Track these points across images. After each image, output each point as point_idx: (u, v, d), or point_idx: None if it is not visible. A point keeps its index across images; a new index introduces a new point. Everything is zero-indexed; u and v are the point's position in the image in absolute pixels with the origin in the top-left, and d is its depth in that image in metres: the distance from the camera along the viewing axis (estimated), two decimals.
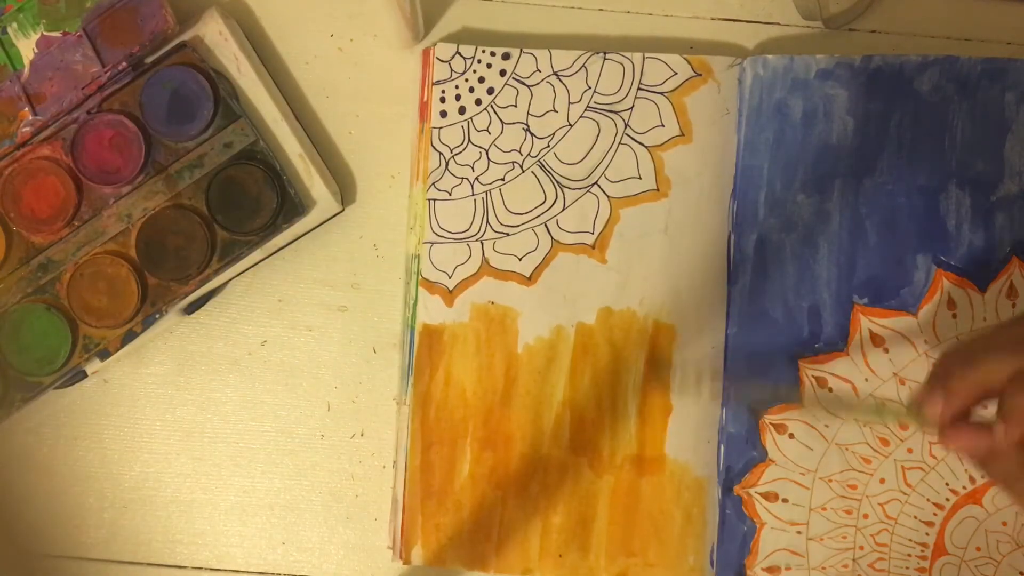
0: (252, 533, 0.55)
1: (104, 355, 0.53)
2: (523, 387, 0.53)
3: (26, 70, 0.53)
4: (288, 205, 0.53)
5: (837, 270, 0.52)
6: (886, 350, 0.52)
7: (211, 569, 0.55)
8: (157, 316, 0.53)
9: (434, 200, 0.54)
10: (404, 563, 0.53)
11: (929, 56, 0.53)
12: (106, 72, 0.53)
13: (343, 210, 0.55)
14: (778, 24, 0.55)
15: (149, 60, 0.53)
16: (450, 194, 0.54)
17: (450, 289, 0.54)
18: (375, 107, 0.56)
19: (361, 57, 0.56)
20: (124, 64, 0.53)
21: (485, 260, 0.54)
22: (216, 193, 0.53)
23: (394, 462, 0.54)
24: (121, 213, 0.53)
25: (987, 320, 0.51)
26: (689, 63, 0.54)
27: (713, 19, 0.56)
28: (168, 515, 0.55)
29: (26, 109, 0.53)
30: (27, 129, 0.53)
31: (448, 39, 0.56)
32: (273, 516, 0.55)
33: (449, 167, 0.54)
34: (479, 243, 0.54)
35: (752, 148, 0.53)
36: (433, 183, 0.54)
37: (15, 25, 0.54)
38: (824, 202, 0.53)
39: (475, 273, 0.54)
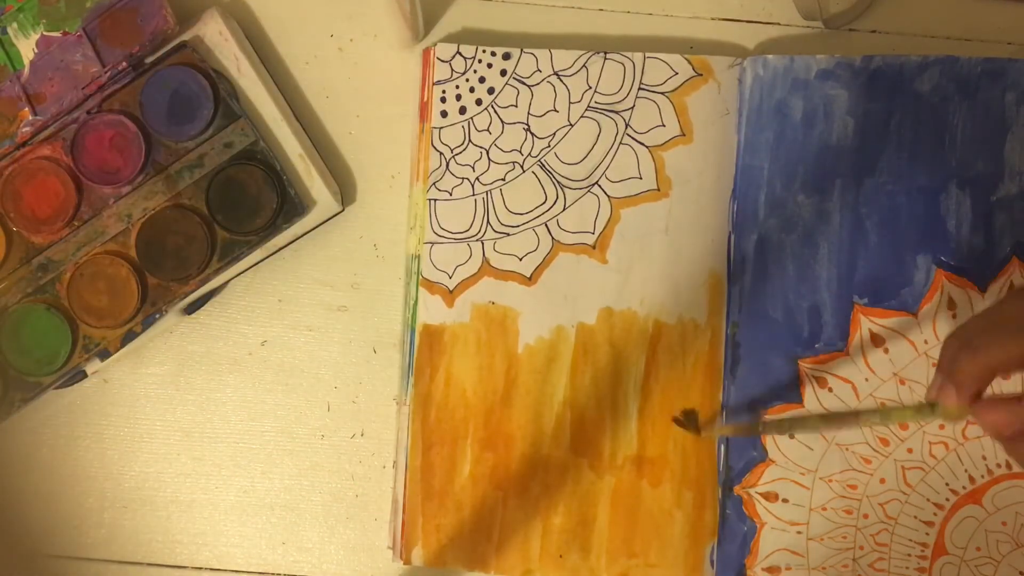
0: (252, 533, 0.55)
1: (104, 355, 0.53)
2: (524, 387, 0.53)
3: (26, 70, 0.53)
4: (288, 205, 0.53)
5: (837, 270, 0.52)
6: (886, 350, 0.52)
7: (211, 569, 0.55)
8: (157, 316, 0.53)
9: (435, 200, 0.54)
10: (404, 563, 0.53)
11: (929, 56, 0.53)
12: (106, 72, 0.53)
13: (343, 210, 0.55)
14: (778, 24, 0.55)
15: (149, 60, 0.53)
16: (451, 194, 0.54)
17: (450, 289, 0.54)
18: (375, 107, 0.56)
19: (361, 57, 0.56)
20: (124, 64, 0.53)
21: (486, 260, 0.54)
22: (216, 193, 0.53)
23: (394, 462, 0.54)
24: (121, 213, 0.53)
25: None
26: (690, 63, 0.54)
27: (713, 19, 0.56)
28: (168, 515, 0.55)
29: (26, 109, 0.53)
30: (27, 129, 0.53)
31: (448, 39, 0.56)
32: (273, 516, 0.55)
33: (450, 167, 0.54)
34: (479, 243, 0.54)
35: (752, 148, 0.53)
36: (434, 183, 0.54)
37: (15, 25, 0.53)
38: (824, 202, 0.53)
39: (475, 273, 0.54)
